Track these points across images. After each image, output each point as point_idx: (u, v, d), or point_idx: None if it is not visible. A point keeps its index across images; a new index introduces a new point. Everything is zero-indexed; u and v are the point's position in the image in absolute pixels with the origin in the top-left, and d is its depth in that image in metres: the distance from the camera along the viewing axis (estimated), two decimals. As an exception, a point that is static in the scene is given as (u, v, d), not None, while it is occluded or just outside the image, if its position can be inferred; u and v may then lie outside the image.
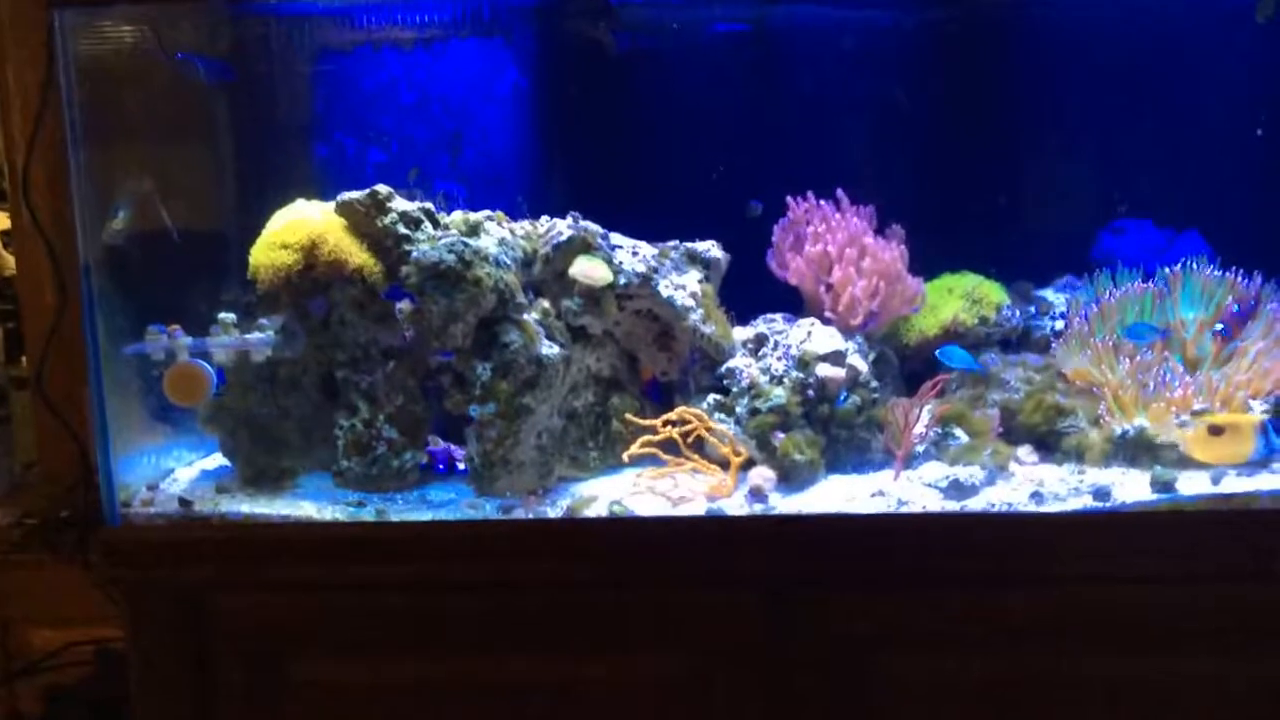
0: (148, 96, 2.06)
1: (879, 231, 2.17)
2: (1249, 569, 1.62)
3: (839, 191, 2.17)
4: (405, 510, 1.79)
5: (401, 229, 1.89)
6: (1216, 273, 2.06)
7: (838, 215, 2.16)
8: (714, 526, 1.73)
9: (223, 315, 1.90)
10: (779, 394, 1.94)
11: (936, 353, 2.08)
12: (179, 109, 2.18)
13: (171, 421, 1.98)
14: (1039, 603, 1.63)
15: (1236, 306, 1.99)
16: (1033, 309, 2.28)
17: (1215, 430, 1.76)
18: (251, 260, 1.87)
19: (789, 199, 2.19)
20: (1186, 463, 1.81)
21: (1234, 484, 1.73)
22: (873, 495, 1.79)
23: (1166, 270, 2.09)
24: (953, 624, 1.65)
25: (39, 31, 1.81)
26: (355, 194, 1.90)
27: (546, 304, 1.95)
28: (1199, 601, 1.62)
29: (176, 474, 1.97)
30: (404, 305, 1.94)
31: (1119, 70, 2.31)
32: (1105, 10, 2.27)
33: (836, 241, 2.12)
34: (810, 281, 2.14)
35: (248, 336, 1.90)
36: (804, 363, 1.98)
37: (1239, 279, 2.04)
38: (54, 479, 2.10)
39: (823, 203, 2.19)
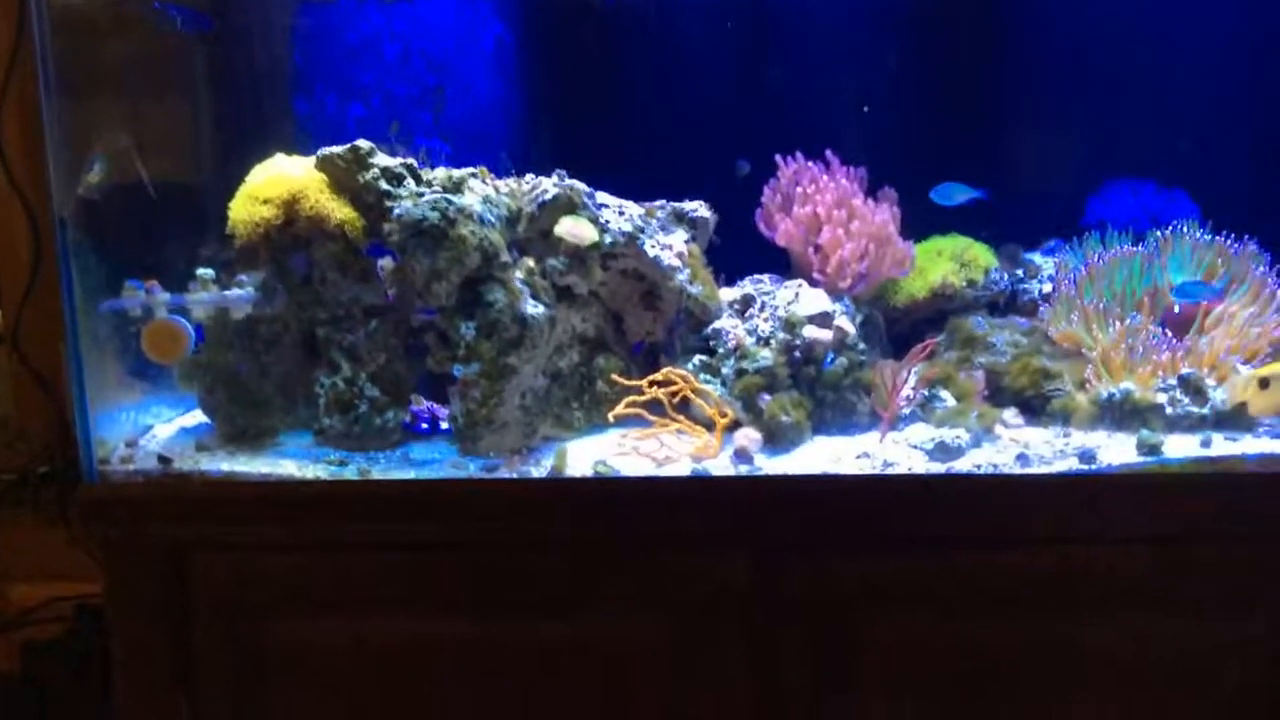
0: (124, 47, 2.02)
1: (870, 194, 2.15)
2: (1234, 531, 1.62)
3: (828, 153, 2.15)
4: (388, 469, 1.77)
5: (384, 185, 1.86)
6: (1206, 237, 2.05)
7: (826, 176, 2.14)
8: (699, 487, 1.72)
9: (201, 271, 1.88)
10: (765, 355, 1.93)
11: (931, 193, 2.09)
12: (156, 61, 2.14)
13: (150, 378, 1.95)
14: (1025, 564, 1.63)
15: (1177, 308, 1.98)
16: (1020, 272, 2.27)
17: (1264, 383, 1.77)
18: (230, 215, 1.84)
19: (778, 159, 2.17)
20: (1174, 425, 1.81)
21: (1221, 448, 1.73)
22: (858, 457, 1.78)
23: (1157, 234, 2.08)
24: (938, 585, 1.65)
25: (11, -24, 1.77)
26: (336, 149, 1.87)
27: (531, 263, 1.92)
28: (1186, 563, 1.62)
29: (155, 431, 1.95)
30: (386, 262, 1.92)
31: (1109, 31, 2.29)
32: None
33: (825, 203, 2.10)
34: (799, 243, 2.12)
35: (227, 293, 1.87)
36: (791, 324, 1.96)
37: (1228, 243, 2.03)
38: (31, 436, 2.08)
39: (812, 163, 2.16)
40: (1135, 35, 2.27)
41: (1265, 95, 2.27)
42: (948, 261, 2.20)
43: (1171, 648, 1.64)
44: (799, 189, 2.14)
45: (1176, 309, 1.98)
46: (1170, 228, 2.07)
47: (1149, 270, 2.03)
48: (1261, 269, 1.97)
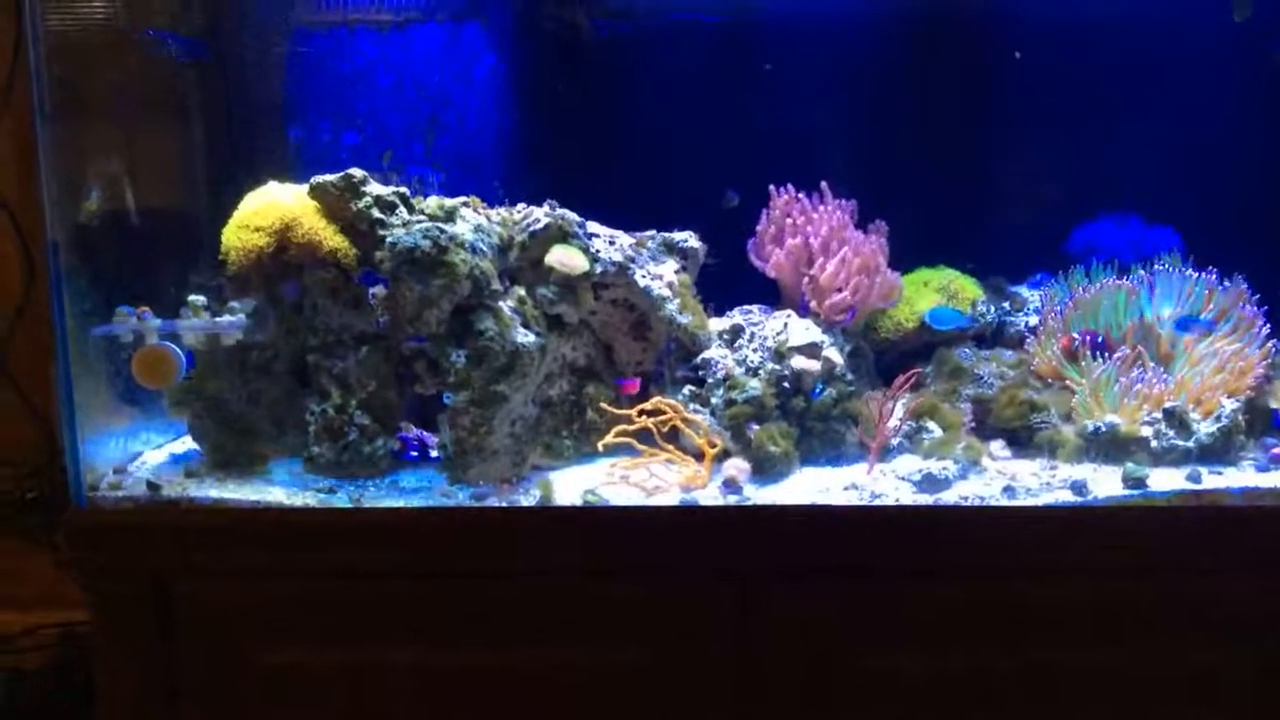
0: (119, 74, 2.03)
1: (859, 226, 2.16)
2: (1220, 563, 1.64)
3: (823, 184, 2.15)
4: (377, 497, 1.77)
5: (376, 213, 1.86)
6: (1191, 272, 2.07)
7: (821, 207, 2.15)
8: (688, 517, 1.72)
9: (193, 298, 1.88)
10: (754, 385, 1.93)
11: (926, 316, 2.09)
12: (150, 88, 2.14)
13: (140, 404, 1.95)
14: (1012, 596, 1.64)
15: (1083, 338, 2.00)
16: (1007, 305, 2.28)
17: None
18: (223, 242, 1.85)
19: (772, 188, 2.18)
20: (1159, 459, 1.83)
21: (1207, 481, 1.74)
22: (846, 488, 1.79)
23: (1140, 270, 2.10)
24: (924, 618, 1.65)
25: (8, 4, 1.78)
26: (329, 177, 1.88)
27: (522, 292, 1.93)
28: (1171, 594, 1.63)
29: (145, 457, 1.95)
30: (377, 290, 1.92)
31: (1095, 66, 2.31)
32: (1082, 7, 2.28)
33: (819, 235, 2.12)
34: (789, 274, 2.14)
35: (218, 320, 1.88)
36: (780, 354, 1.97)
37: (1213, 278, 2.05)
38: (18, 460, 2.08)
39: (803, 195, 2.18)
40: (1121, 72, 2.30)
41: (1247, 131, 2.29)
42: (934, 293, 2.21)
43: (1157, 678, 1.65)
44: (790, 221, 2.16)
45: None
46: (1156, 262, 2.09)
47: (1134, 303, 2.05)
48: (1249, 307, 1.99)
